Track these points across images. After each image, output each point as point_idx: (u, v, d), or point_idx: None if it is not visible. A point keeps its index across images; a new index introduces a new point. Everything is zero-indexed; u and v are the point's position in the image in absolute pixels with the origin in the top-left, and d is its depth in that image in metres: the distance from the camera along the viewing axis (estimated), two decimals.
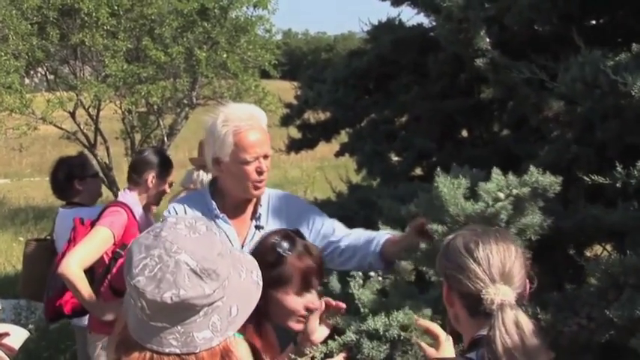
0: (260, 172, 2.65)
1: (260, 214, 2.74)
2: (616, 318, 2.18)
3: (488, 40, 3.24)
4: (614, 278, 2.26)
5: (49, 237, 4.47)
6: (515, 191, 2.31)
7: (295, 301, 2.16)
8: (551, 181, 2.30)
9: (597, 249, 3.31)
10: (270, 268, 2.09)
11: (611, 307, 2.21)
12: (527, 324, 1.65)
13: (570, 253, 2.56)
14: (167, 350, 1.41)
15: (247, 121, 2.64)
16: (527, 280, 1.77)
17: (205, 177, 4.27)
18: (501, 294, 1.68)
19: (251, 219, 2.74)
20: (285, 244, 2.16)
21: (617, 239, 2.88)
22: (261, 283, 1.53)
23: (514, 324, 1.64)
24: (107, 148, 12.11)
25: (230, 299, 1.45)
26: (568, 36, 2.95)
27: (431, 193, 2.49)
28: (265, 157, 2.67)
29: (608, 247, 3.23)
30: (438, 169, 2.49)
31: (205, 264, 1.41)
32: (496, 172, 2.39)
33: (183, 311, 1.40)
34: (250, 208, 2.76)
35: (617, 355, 2.41)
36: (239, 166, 2.64)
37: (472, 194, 2.41)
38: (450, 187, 2.40)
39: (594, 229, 2.56)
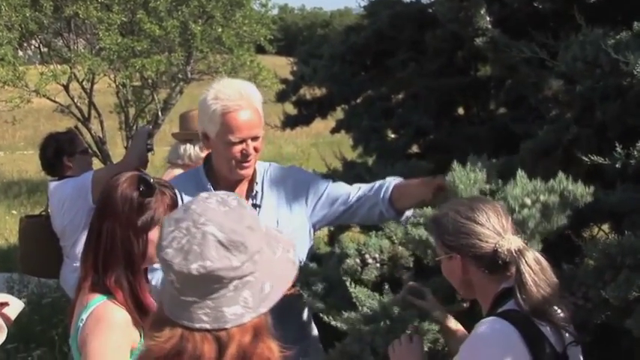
0: (246, 154, 2.59)
1: (256, 191, 2.70)
2: (612, 299, 2.18)
3: (488, 18, 3.21)
4: (611, 259, 2.25)
5: (43, 212, 4.45)
6: (542, 197, 2.24)
7: None
8: (582, 192, 2.25)
9: (595, 230, 3.31)
10: (140, 214, 2.14)
11: (608, 287, 2.20)
12: (543, 260, 1.88)
13: (567, 234, 2.54)
14: (197, 326, 1.40)
15: (237, 101, 2.57)
16: None
17: (193, 150, 4.13)
18: (514, 242, 1.89)
19: (247, 197, 2.70)
20: (145, 187, 2.17)
21: (615, 220, 2.87)
22: (297, 262, 1.52)
23: (535, 262, 1.85)
24: (101, 122, 12.04)
25: (263, 275, 1.43)
26: (569, 14, 2.92)
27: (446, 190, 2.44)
28: (254, 138, 2.61)
29: (606, 228, 3.23)
30: (455, 162, 2.43)
31: (233, 236, 1.40)
32: (520, 175, 2.32)
33: (211, 284, 1.39)
34: (245, 186, 2.72)
35: (613, 336, 2.41)
36: (224, 146, 2.59)
37: (490, 192, 2.38)
38: (466, 182, 2.36)
39: (592, 210, 2.54)
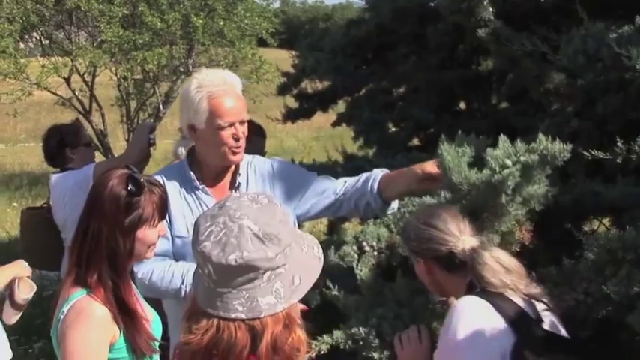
0: (236, 139, 2.59)
1: (239, 183, 2.69)
2: (613, 293, 2.17)
3: (491, 10, 3.20)
4: (612, 254, 2.24)
5: (45, 205, 4.45)
6: (522, 158, 2.26)
7: (154, 233, 2.22)
8: (560, 149, 2.25)
9: (595, 224, 3.30)
10: (128, 213, 2.14)
11: (609, 282, 2.20)
12: (502, 254, 2.02)
13: (568, 228, 2.54)
14: (233, 315, 1.47)
15: (221, 86, 2.58)
16: None
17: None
18: (469, 242, 2.06)
19: (230, 189, 2.69)
20: (134, 186, 2.16)
21: (615, 215, 2.87)
22: (322, 258, 1.59)
23: (491, 257, 1.99)
24: (102, 115, 12.03)
25: (292, 268, 1.51)
26: (571, 7, 2.91)
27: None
28: (242, 122, 2.61)
29: (607, 222, 3.22)
30: (443, 136, 2.44)
31: (267, 229, 1.48)
32: (503, 140, 2.33)
33: (247, 273, 1.47)
34: (229, 178, 2.71)
35: (614, 331, 2.41)
36: (215, 132, 2.58)
37: (477, 163, 2.38)
38: (454, 154, 2.36)
39: (593, 205, 2.54)
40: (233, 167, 2.71)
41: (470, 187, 2.29)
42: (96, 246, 2.13)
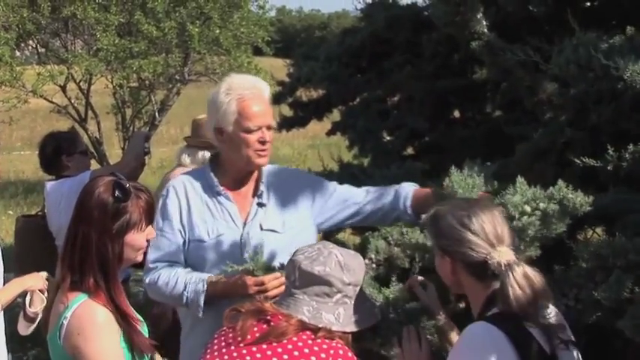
0: (263, 142, 2.62)
1: (262, 191, 2.71)
2: (604, 299, 2.20)
3: (485, 22, 3.22)
4: (602, 260, 2.27)
5: (40, 212, 4.45)
6: (542, 205, 2.25)
7: (142, 237, 2.23)
8: (581, 201, 2.25)
9: (588, 232, 3.32)
10: (116, 219, 2.17)
11: (599, 288, 2.23)
12: (534, 274, 1.88)
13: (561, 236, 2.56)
14: (299, 316, 1.91)
15: (251, 90, 2.63)
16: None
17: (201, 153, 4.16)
18: (505, 255, 1.90)
19: (253, 196, 2.71)
20: (121, 192, 2.19)
21: (607, 223, 2.89)
22: (379, 316, 2.12)
23: (524, 277, 1.86)
24: (98, 123, 12.05)
25: (355, 306, 1.97)
26: (563, 18, 2.94)
27: (443, 192, 2.45)
28: (268, 127, 2.64)
29: (599, 230, 3.24)
30: (453, 167, 2.44)
31: (349, 262, 1.99)
32: (520, 182, 2.32)
33: (323, 285, 1.93)
34: (252, 185, 2.73)
35: (604, 337, 2.43)
36: (242, 134, 2.60)
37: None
38: (465, 187, 2.37)
39: (584, 213, 2.56)
40: (256, 175, 2.73)
41: None
42: (87, 252, 2.15)
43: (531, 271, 1.88)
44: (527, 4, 3.36)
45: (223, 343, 1.96)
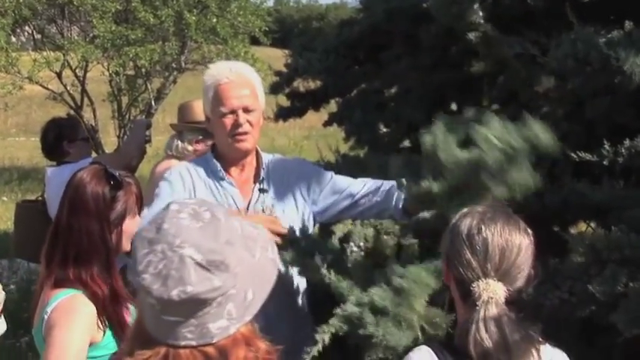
0: (237, 125, 2.60)
1: (263, 177, 2.72)
2: (598, 293, 2.20)
3: (481, 13, 3.22)
4: (597, 253, 2.27)
5: (40, 198, 4.47)
6: (511, 141, 2.19)
7: (135, 224, 2.24)
8: (549, 141, 2.20)
9: (582, 226, 3.34)
10: (112, 208, 2.18)
11: (594, 282, 2.23)
12: (509, 323, 1.64)
13: (555, 230, 2.57)
14: (183, 344, 1.36)
15: (226, 74, 2.63)
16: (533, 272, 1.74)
17: (180, 143, 4.12)
18: (490, 290, 1.67)
19: (254, 181, 2.72)
20: (114, 181, 2.20)
21: (601, 217, 2.90)
22: (277, 259, 1.48)
23: (494, 322, 1.63)
24: (94, 110, 12.03)
25: (244, 284, 1.39)
26: (561, 11, 2.94)
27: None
28: (245, 110, 2.62)
29: (593, 224, 3.25)
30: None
31: (212, 256, 1.34)
32: (491, 117, 2.28)
33: (194, 306, 1.35)
34: (252, 171, 2.74)
35: (597, 330, 2.44)
36: (218, 120, 2.62)
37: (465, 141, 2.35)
38: (443, 132, 2.36)
39: (579, 206, 2.57)
40: (255, 161, 2.74)
41: (455, 165, 2.22)
42: (88, 244, 2.16)
43: (508, 320, 1.65)
44: None
45: None
